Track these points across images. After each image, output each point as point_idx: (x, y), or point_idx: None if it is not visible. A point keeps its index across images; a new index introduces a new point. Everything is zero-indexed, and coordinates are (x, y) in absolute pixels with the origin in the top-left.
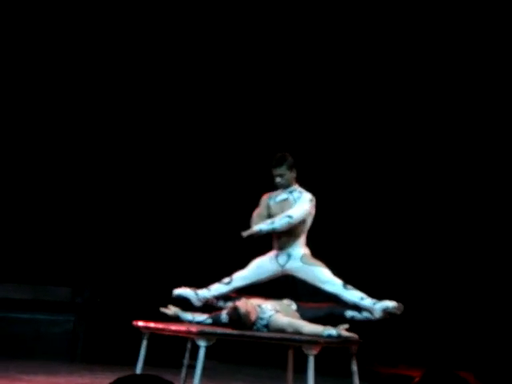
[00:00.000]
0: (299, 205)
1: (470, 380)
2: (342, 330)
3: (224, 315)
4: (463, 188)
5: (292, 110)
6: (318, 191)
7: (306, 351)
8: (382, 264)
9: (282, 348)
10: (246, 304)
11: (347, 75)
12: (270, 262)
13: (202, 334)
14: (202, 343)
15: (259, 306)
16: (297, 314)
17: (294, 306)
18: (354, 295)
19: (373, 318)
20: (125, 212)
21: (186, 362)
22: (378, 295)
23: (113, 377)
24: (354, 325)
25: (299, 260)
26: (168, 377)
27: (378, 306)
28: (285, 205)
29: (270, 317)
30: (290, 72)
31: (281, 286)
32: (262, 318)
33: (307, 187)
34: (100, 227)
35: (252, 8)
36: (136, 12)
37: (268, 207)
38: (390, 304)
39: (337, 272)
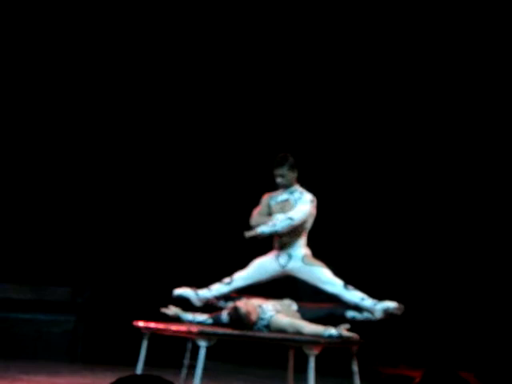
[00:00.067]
0: (300, 206)
1: (471, 380)
2: (342, 330)
3: (225, 315)
4: (463, 188)
5: (293, 110)
6: (318, 192)
7: (306, 351)
8: (382, 265)
9: (282, 348)
10: (246, 304)
11: (348, 76)
12: (271, 263)
13: (202, 334)
14: (203, 343)
15: (260, 306)
16: (297, 315)
17: (294, 307)
18: (354, 296)
19: (373, 319)
20: (125, 212)
21: (186, 362)
22: (378, 296)
23: (113, 377)
24: (354, 325)
25: (300, 260)
26: (168, 377)
27: (379, 307)
28: (285, 205)
29: (270, 317)
30: (291, 73)
31: (281, 286)
32: (262, 319)
33: (308, 188)
34: (100, 227)
35: (252, 8)
36: (136, 12)
37: (269, 207)
38: (390, 305)
39: (337, 272)
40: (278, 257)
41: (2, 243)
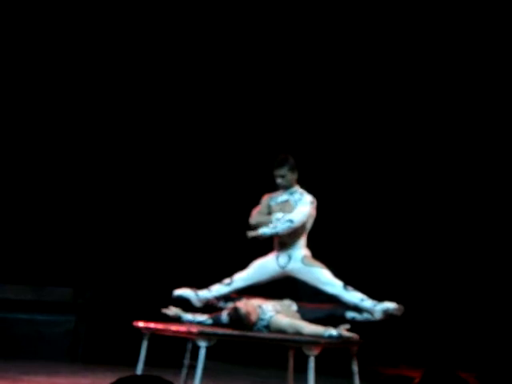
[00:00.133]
0: (300, 208)
1: (471, 380)
2: (342, 331)
3: (224, 316)
4: (463, 189)
5: (294, 111)
6: (318, 193)
7: (306, 352)
8: (382, 265)
9: (282, 348)
10: (246, 305)
11: (348, 77)
12: (271, 263)
13: (202, 335)
14: (203, 344)
15: (260, 306)
16: (297, 315)
17: (294, 307)
18: (354, 296)
19: (373, 319)
20: (126, 213)
21: (186, 362)
22: (378, 296)
23: (113, 377)
24: (354, 325)
25: (300, 261)
26: (168, 377)
27: (379, 308)
28: (285, 206)
29: (270, 317)
30: (291, 74)
31: (281, 287)
32: (262, 319)
33: (308, 189)
34: (101, 228)
35: (253, 8)
36: (136, 12)
37: (269, 207)
38: (390, 305)
39: (337, 273)
40: (277, 258)
41: (2, 243)
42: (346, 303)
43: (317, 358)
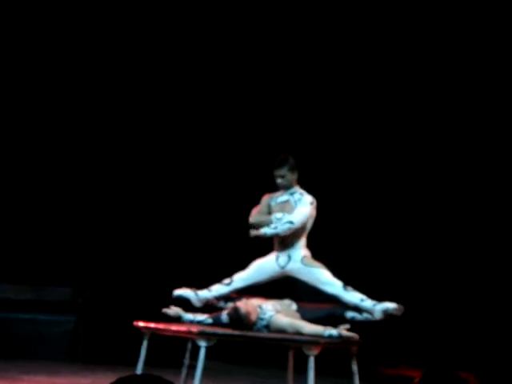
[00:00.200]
0: (300, 208)
1: (471, 380)
2: (342, 331)
3: (224, 315)
4: (463, 189)
5: (294, 111)
6: (318, 193)
7: (306, 352)
8: (382, 265)
9: (282, 348)
10: (246, 304)
11: (348, 77)
12: (271, 264)
13: (202, 334)
14: (203, 343)
15: (260, 306)
16: (297, 315)
17: (294, 307)
18: (354, 297)
19: (373, 319)
20: (126, 213)
21: (186, 362)
22: (378, 296)
23: (113, 377)
24: (354, 325)
25: (299, 261)
26: (168, 377)
27: (378, 308)
28: (285, 206)
29: (270, 317)
30: (292, 74)
31: (281, 287)
32: (262, 319)
33: (308, 189)
34: (101, 228)
35: (252, 9)
36: (136, 12)
37: (269, 207)
38: (390, 306)
39: (337, 273)
40: (277, 258)
41: (2, 243)
42: (346, 303)
43: (317, 358)
